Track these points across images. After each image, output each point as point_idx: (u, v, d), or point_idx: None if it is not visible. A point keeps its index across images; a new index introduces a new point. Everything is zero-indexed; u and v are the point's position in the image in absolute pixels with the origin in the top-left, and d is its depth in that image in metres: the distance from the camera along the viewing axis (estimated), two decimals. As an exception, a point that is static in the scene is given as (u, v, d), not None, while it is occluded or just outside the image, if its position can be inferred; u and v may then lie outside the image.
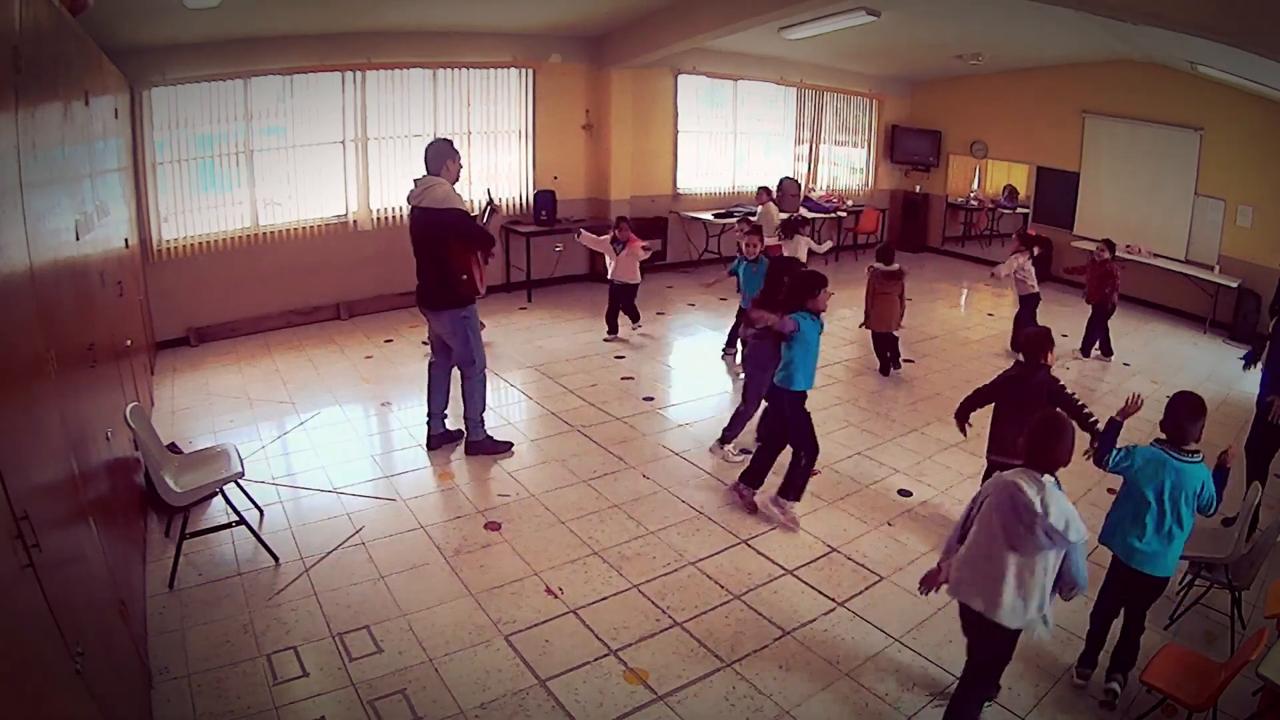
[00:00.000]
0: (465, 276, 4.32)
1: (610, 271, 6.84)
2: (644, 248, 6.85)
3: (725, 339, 6.69)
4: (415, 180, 4.33)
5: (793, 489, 3.98)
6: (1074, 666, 2.99)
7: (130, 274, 4.86)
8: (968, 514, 2.59)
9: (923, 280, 9.91)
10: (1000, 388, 3.74)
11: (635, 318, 7.07)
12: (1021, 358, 3.75)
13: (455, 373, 4.66)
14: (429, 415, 4.73)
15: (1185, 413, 2.77)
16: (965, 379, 6.29)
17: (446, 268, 4.29)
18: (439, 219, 4.20)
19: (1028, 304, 6.77)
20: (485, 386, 4.63)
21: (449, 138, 4.46)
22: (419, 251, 4.38)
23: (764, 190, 9.06)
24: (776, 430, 4.05)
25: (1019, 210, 11.96)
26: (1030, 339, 3.75)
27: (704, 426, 5.19)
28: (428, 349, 5.01)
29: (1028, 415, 2.78)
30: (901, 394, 5.93)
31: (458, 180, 4.37)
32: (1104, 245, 6.81)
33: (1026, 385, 3.62)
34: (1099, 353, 7.01)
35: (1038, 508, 2.30)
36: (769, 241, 6.46)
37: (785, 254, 6.40)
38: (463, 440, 4.72)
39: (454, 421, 4.81)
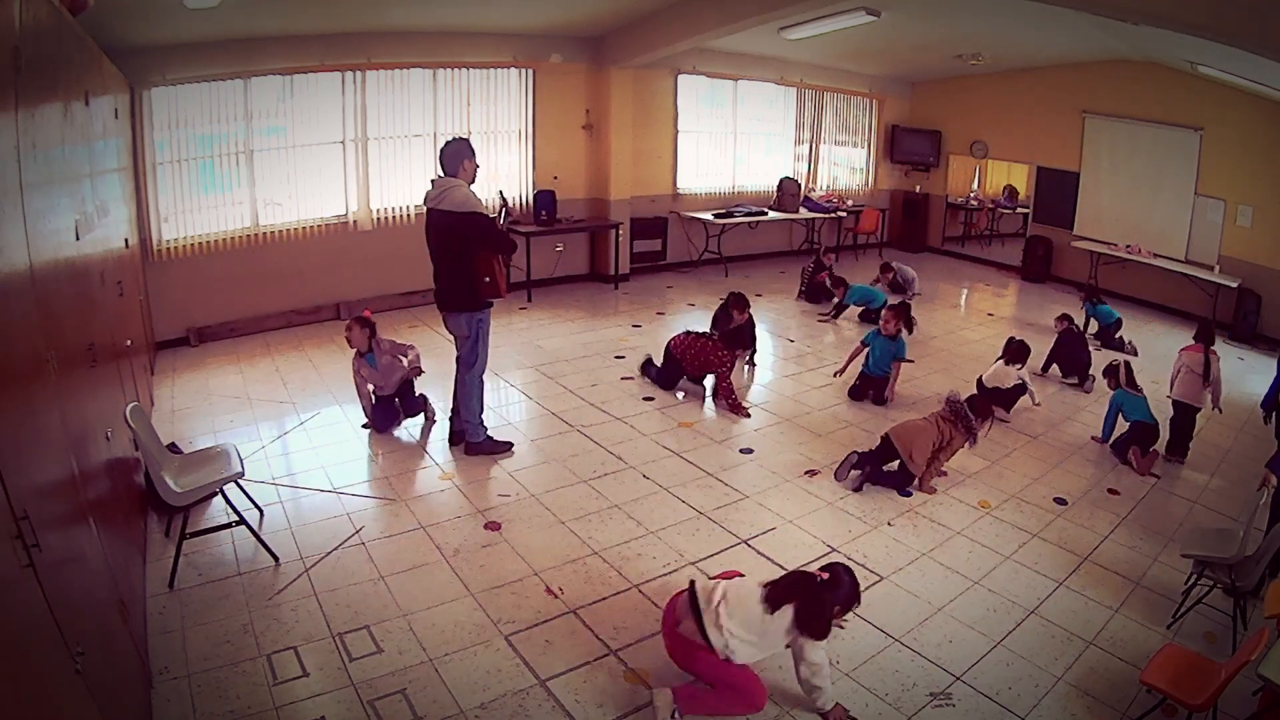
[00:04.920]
0: (488, 279, 4.29)
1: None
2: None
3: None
4: (432, 181, 4.28)
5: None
6: None
7: (130, 274, 4.86)
8: None
9: (923, 280, 9.92)
10: None
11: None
12: None
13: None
14: (453, 411, 4.73)
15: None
16: (965, 379, 6.29)
17: (469, 270, 4.25)
18: (460, 223, 4.15)
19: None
20: (482, 389, 4.62)
21: (465, 137, 4.37)
22: (437, 254, 4.33)
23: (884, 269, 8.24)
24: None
25: (1019, 210, 11.97)
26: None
27: (705, 426, 5.20)
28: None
29: None
30: (901, 395, 5.93)
31: (475, 180, 4.31)
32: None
33: None
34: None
35: None
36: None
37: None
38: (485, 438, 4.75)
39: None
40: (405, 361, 4.92)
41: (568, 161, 8.62)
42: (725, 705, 2.60)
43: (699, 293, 8.76)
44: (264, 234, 6.85)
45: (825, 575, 2.63)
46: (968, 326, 8.02)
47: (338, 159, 7.18)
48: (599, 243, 9.01)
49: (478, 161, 4.33)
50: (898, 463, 4.37)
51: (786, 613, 2.51)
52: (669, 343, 5.80)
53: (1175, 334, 8.14)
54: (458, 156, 4.22)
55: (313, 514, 3.93)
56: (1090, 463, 4.94)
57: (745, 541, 3.83)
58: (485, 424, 4.67)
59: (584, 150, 8.78)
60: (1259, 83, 6.75)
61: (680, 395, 5.72)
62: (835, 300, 8.01)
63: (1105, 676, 2.99)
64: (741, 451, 4.84)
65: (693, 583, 2.66)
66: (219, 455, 3.62)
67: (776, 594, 2.55)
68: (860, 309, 7.92)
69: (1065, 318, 6.73)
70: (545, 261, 8.48)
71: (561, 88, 8.37)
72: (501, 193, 4.92)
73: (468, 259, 4.23)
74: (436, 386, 5.26)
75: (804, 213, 10.44)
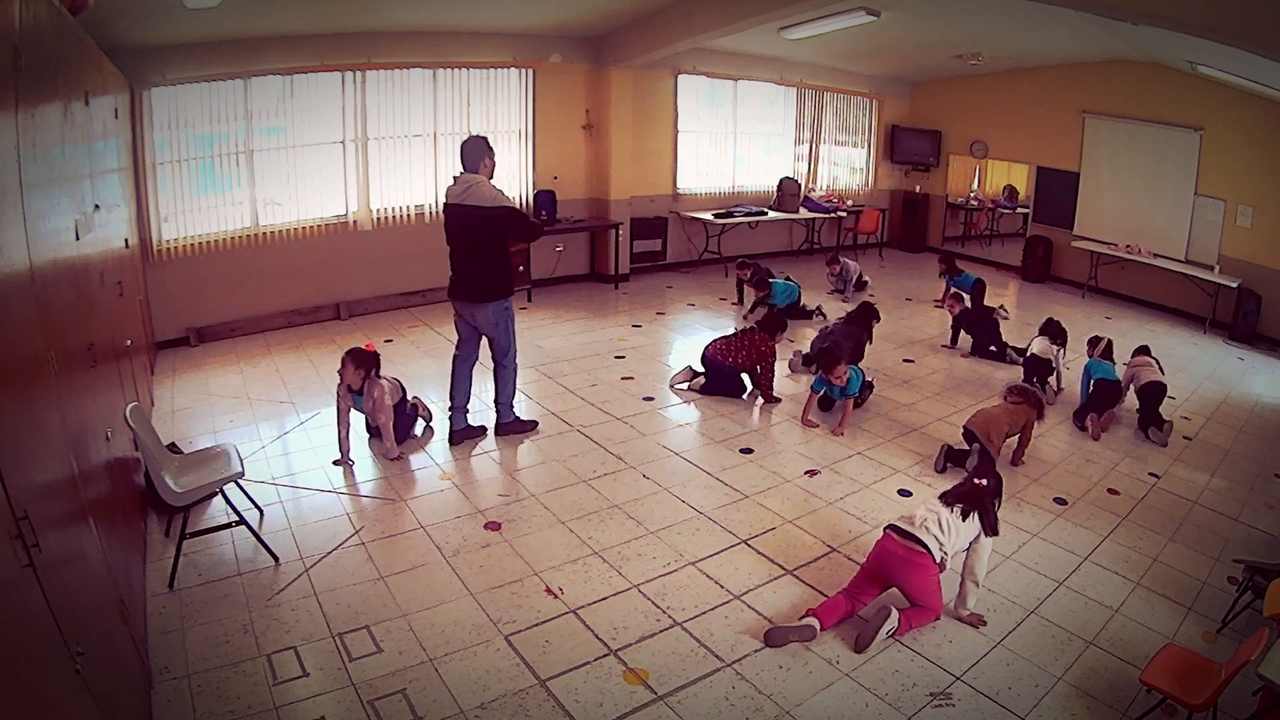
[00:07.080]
0: (521, 267, 4.64)
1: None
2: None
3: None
4: (455, 177, 4.42)
5: None
6: None
7: (130, 274, 4.86)
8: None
9: (923, 280, 9.92)
10: None
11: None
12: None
13: (473, 368, 4.80)
14: (451, 409, 4.77)
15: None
16: (964, 378, 6.31)
17: (502, 261, 4.48)
18: (491, 216, 4.32)
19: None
20: (517, 373, 4.82)
21: (484, 135, 4.51)
22: (463, 248, 4.46)
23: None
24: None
25: (1019, 210, 11.97)
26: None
27: (704, 426, 5.20)
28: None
29: None
30: (901, 394, 5.93)
31: (493, 176, 4.46)
32: None
33: None
34: None
35: None
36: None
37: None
38: (484, 435, 4.86)
39: (474, 417, 4.90)
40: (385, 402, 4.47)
41: (568, 161, 8.62)
42: (922, 619, 3.19)
43: (699, 293, 8.76)
44: (264, 234, 6.85)
45: (983, 481, 3.26)
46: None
47: (338, 159, 7.18)
48: (599, 243, 9.01)
49: (497, 159, 4.51)
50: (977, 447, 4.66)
51: (973, 519, 3.18)
52: (706, 352, 5.72)
53: (1176, 334, 8.15)
54: (478, 153, 4.38)
55: (313, 514, 3.93)
56: (1090, 463, 4.94)
57: (745, 541, 3.83)
58: (514, 408, 4.89)
59: (584, 150, 8.78)
60: (1259, 83, 6.75)
61: (745, 396, 5.74)
62: (757, 299, 7.67)
63: (1105, 676, 2.99)
64: (741, 451, 4.84)
65: (892, 525, 3.25)
66: (219, 455, 3.62)
67: (965, 504, 3.19)
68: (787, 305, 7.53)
69: (954, 296, 7.37)
70: (545, 261, 8.48)
71: (561, 88, 8.37)
72: None
73: (501, 250, 4.44)
74: (442, 389, 5.28)
75: (804, 213, 10.44)
